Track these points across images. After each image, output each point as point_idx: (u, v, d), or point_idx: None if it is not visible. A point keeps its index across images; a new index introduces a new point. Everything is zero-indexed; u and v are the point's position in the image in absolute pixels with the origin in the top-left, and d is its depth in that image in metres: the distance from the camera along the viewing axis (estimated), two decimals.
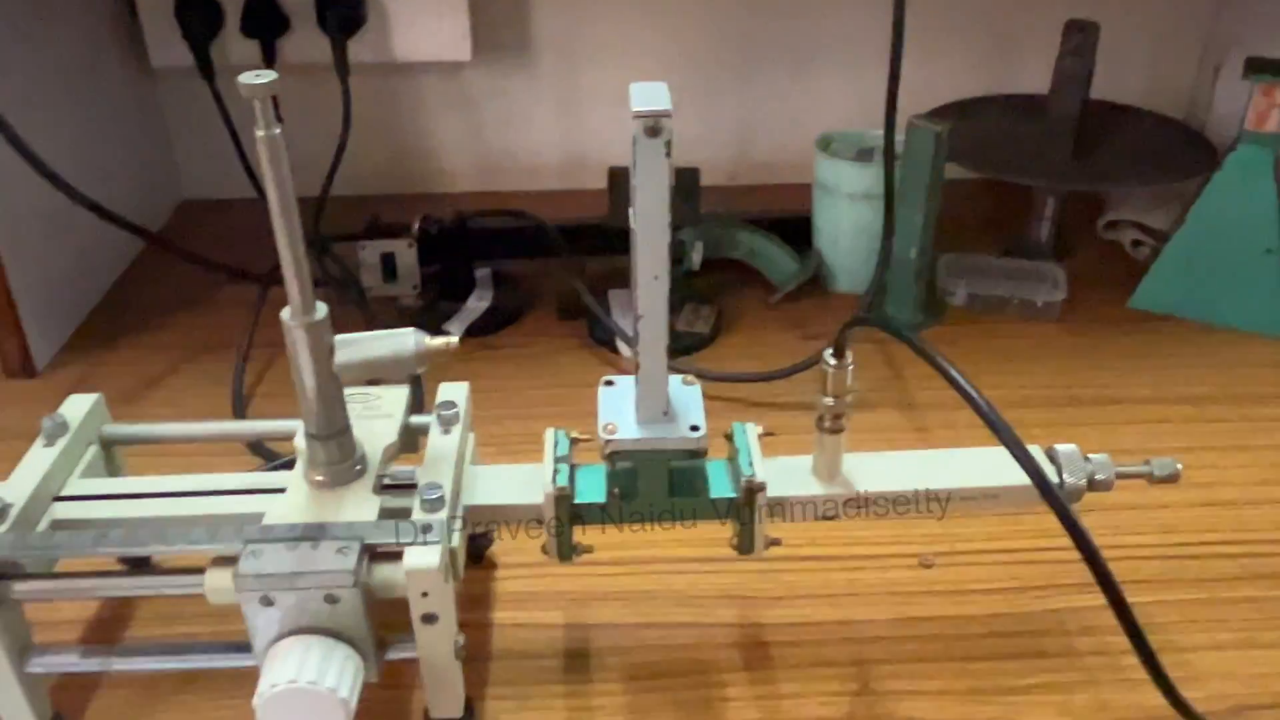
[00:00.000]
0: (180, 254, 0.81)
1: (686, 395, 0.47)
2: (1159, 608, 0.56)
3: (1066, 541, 0.51)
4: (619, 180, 0.82)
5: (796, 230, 0.87)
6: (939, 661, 0.53)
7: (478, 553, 0.59)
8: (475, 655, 0.54)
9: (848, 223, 0.84)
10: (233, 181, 0.94)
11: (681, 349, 0.79)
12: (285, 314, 0.43)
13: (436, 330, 0.81)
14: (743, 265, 0.88)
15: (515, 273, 0.88)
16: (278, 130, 0.40)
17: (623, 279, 0.80)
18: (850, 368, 0.46)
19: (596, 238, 0.85)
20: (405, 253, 0.82)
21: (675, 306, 0.81)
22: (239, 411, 0.72)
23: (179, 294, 0.88)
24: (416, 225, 0.82)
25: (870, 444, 0.69)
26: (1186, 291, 0.82)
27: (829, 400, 0.47)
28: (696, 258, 0.79)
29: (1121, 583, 0.57)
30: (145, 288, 0.90)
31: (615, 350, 0.79)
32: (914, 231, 0.78)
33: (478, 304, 0.83)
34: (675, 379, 0.48)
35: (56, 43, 0.83)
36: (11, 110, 0.71)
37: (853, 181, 0.81)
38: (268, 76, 0.38)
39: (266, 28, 0.89)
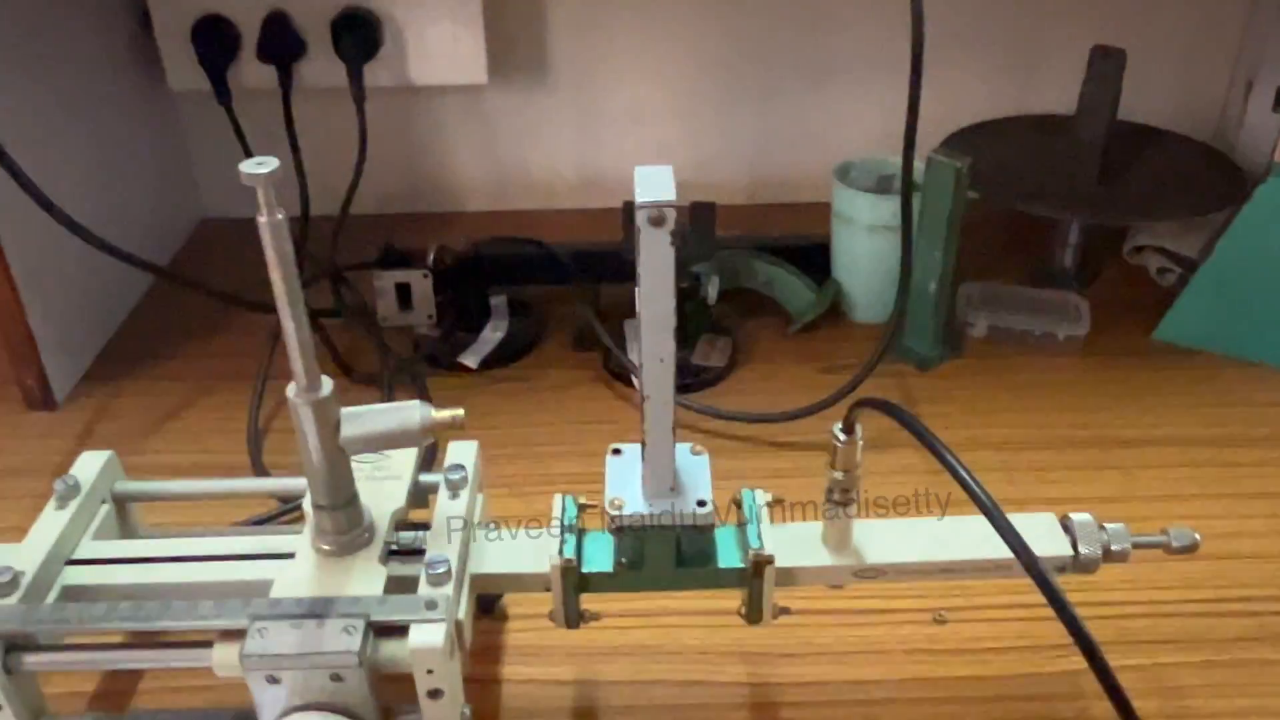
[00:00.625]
0: (193, 287, 0.81)
1: (694, 466, 0.47)
2: (1179, 670, 0.55)
3: (1084, 597, 0.50)
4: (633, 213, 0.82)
5: (814, 258, 0.86)
6: None
7: (488, 604, 0.59)
8: (483, 713, 0.54)
9: (866, 253, 0.82)
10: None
11: (697, 383, 0.78)
12: (291, 390, 0.43)
13: (452, 361, 0.81)
14: (760, 294, 0.87)
15: (531, 298, 0.88)
16: (281, 215, 0.40)
17: None
18: (860, 443, 0.45)
19: (612, 264, 0.85)
20: (420, 283, 0.82)
21: (690, 339, 0.81)
22: (255, 456, 0.72)
23: (196, 320, 0.88)
24: (431, 256, 0.82)
25: (884, 485, 0.69)
26: (1214, 325, 0.81)
27: (838, 475, 0.46)
28: (713, 292, 0.78)
29: (1140, 643, 0.57)
30: (162, 315, 0.90)
31: (630, 384, 0.79)
32: (933, 266, 0.77)
33: (493, 334, 0.83)
34: (683, 448, 0.47)
35: (72, 67, 0.83)
36: (25, 136, 0.71)
37: (871, 213, 0.80)
38: (269, 166, 0.38)
39: (283, 53, 0.89)
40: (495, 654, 0.57)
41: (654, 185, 0.38)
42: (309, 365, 0.43)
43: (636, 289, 0.41)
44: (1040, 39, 0.98)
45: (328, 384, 0.44)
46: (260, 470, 0.71)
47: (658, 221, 0.38)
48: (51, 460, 0.73)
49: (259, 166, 0.38)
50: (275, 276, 0.40)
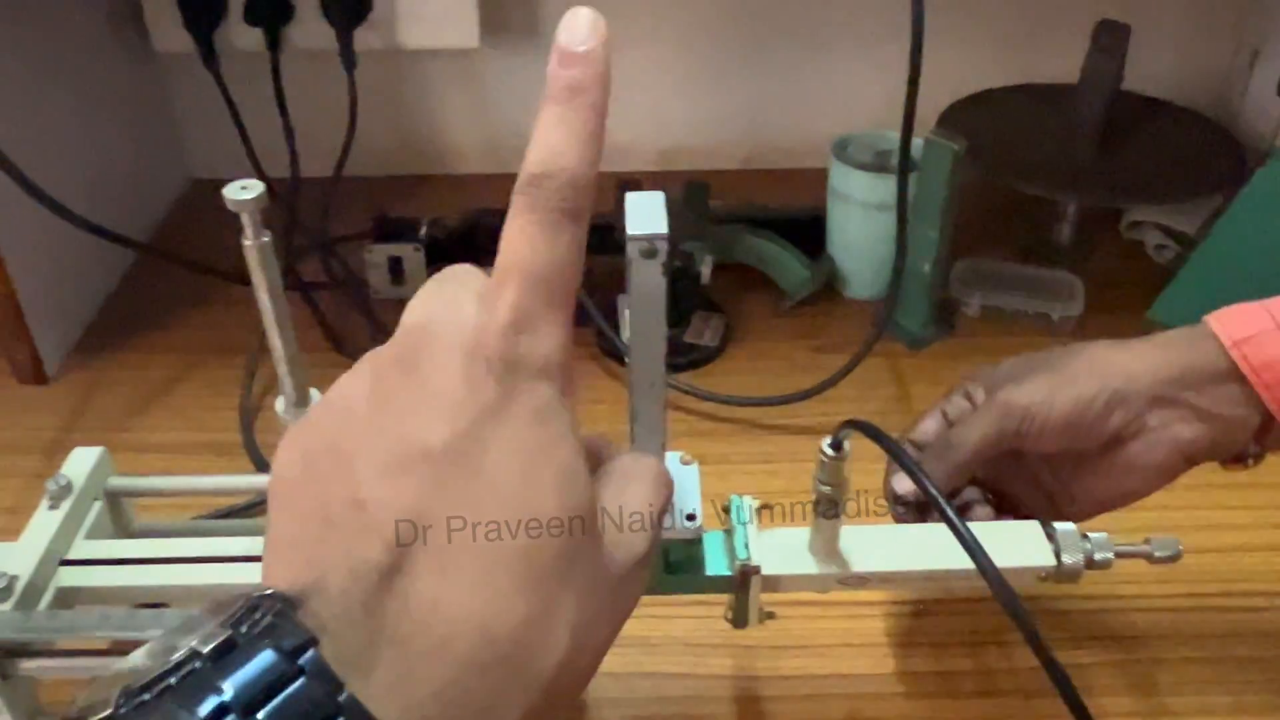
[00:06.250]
0: (177, 261, 0.80)
1: (684, 478, 0.47)
2: (1153, 667, 0.57)
3: (1063, 590, 0.51)
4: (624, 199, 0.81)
5: (809, 232, 0.86)
6: None
7: None
8: None
9: (861, 231, 0.82)
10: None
11: (688, 363, 0.78)
12: (279, 406, 0.43)
13: None
14: (753, 269, 0.86)
15: None
16: (266, 238, 0.39)
17: None
18: (848, 459, 0.46)
19: (605, 236, 0.84)
20: (413, 257, 0.81)
21: (683, 318, 0.81)
22: (250, 443, 0.72)
23: (187, 288, 0.87)
24: (424, 230, 0.81)
25: (874, 471, 0.69)
26: (1209, 307, 0.80)
27: (825, 489, 0.46)
28: (706, 272, 0.78)
29: (1119, 639, 0.58)
30: (153, 282, 0.90)
31: (622, 362, 0.79)
32: (927, 246, 0.76)
33: None
34: (673, 458, 0.48)
35: (52, 29, 0.81)
36: (4, 104, 0.70)
37: (868, 192, 0.79)
38: (254, 191, 0.38)
39: (270, 15, 0.87)
40: None
41: (645, 216, 0.37)
42: (298, 381, 0.43)
43: (628, 311, 0.41)
44: (1047, 4, 0.96)
45: (316, 398, 0.44)
46: (254, 453, 0.71)
47: (649, 254, 0.37)
48: (44, 438, 0.73)
49: (244, 192, 0.37)
50: (262, 296, 0.40)
